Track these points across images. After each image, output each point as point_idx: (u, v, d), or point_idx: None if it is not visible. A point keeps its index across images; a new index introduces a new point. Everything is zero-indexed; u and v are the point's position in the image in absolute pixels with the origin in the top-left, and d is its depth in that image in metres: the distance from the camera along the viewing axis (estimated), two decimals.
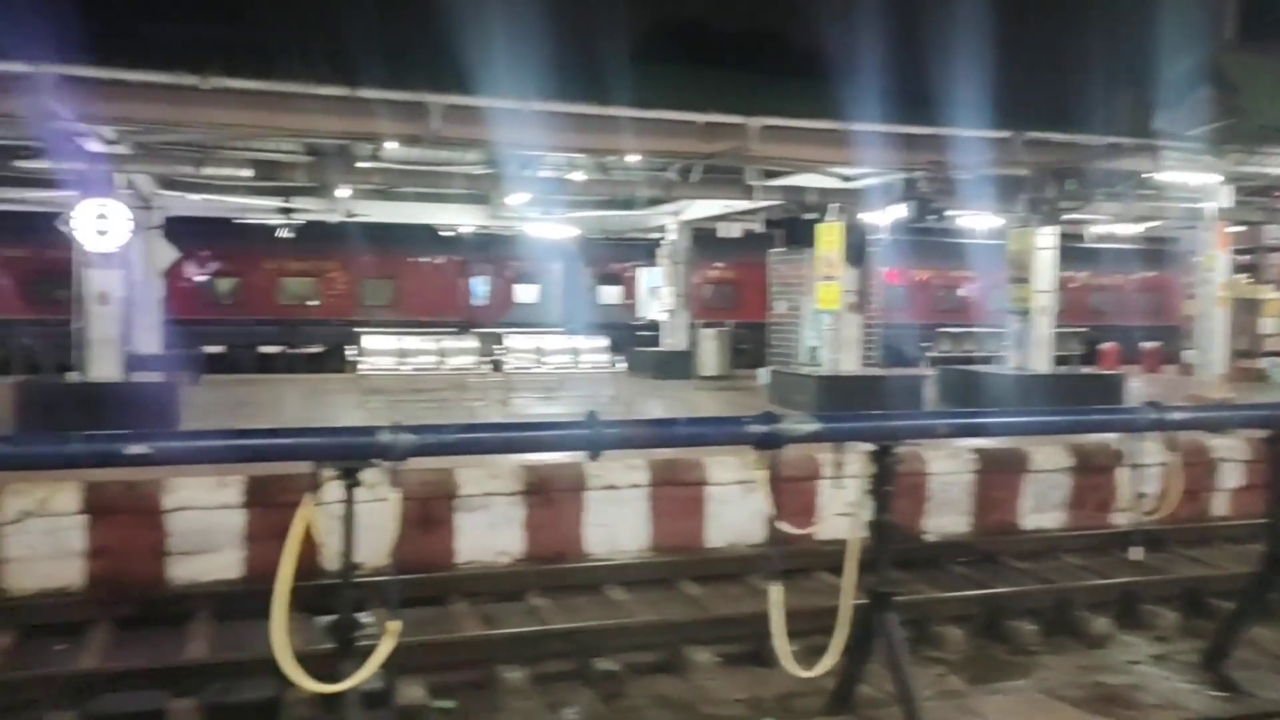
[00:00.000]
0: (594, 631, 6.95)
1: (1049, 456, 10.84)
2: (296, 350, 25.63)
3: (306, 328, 26.01)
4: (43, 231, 16.60)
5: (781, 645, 5.40)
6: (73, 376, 11.82)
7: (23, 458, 4.41)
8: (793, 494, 9.22)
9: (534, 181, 14.75)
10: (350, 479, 4.64)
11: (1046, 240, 14.43)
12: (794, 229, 15.39)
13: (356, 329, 21.68)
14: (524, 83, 10.40)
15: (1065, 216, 14.91)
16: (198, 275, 25.32)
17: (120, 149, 11.86)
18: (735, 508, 9.63)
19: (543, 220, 19.87)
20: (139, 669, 6.36)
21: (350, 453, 4.65)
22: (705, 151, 12.29)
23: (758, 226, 19.37)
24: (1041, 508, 10.85)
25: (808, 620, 6.60)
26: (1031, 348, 14.56)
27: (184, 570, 8.30)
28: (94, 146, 11.09)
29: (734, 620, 7.32)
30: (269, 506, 8.32)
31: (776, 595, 5.38)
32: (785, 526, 5.47)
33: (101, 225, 11.00)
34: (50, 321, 20.86)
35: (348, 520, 4.73)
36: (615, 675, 6.45)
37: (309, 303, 26.44)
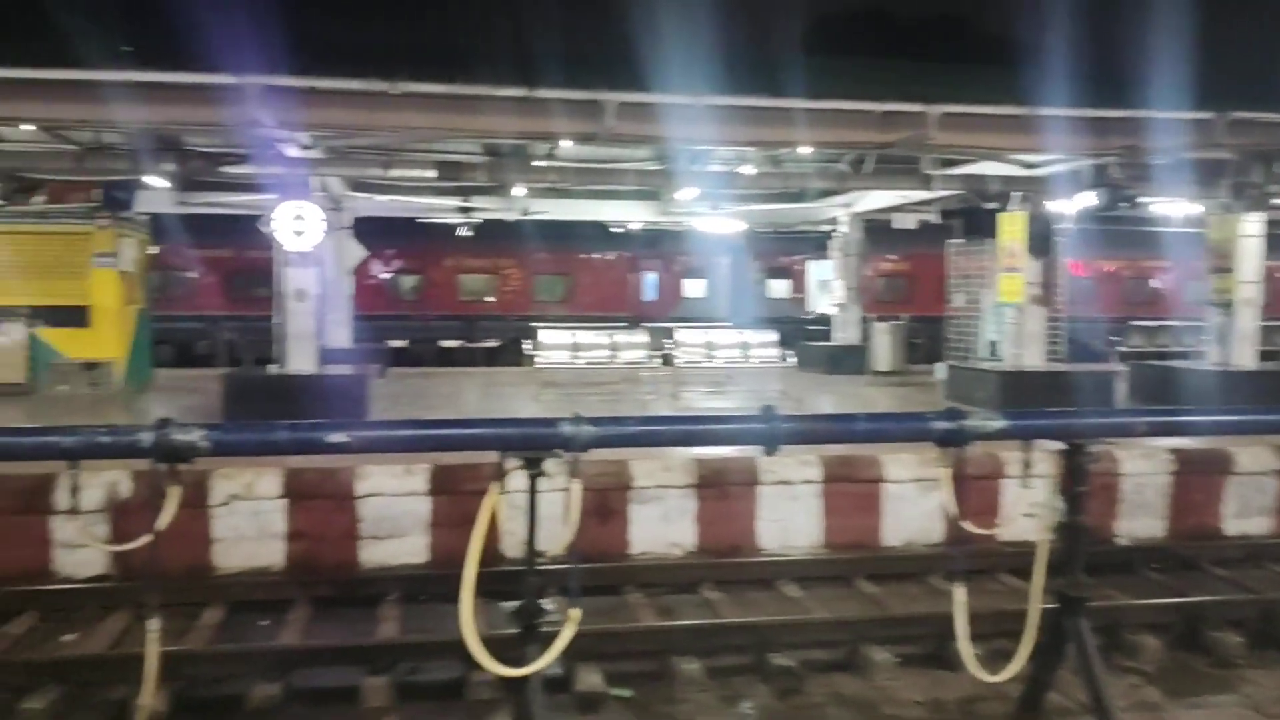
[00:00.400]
0: (771, 627, 6.90)
1: (1255, 458, 10.13)
2: (474, 345, 26.53)
3: (484, 323, 26.89)
4: (242, 233, 17.73)
5: (966, 648, 5.24)
6: (272, 369, 12.55)
7: (235, 445, 4.69)
8: (975, 493, 8.93)
9: (704, 176, 14.76)
10: (534, 468, 4.75)
11: (1252, 227, 13.51)
12: (973, 219, 14.86)
13: (531, 324, 22.32)
14: (697, 77, 10.42)
15: (1274, 201, 13.91)
16: (383, 273, 26.51)
17: (315, 153, 12.51)
18: (912, 506, 9.41)
19: (711, 215, 19.88)
20: (335, 647, 6.72)
21: (534, 443, 4.75)
22: (881, 141, 12.01)
23: (933, 217, 18.83)
24: (1246, 512, 10.15)
25: (991, 623, 6.42)
26: (1234, 342, 13.68)
27: (374, 554, 8.69)
28: (292, 152, 11.72)
29: (913, 620, 7.16)
30: (452, 494, 8.64)
31: (960, 596, 5.22)
32: (968, 526, 5.30)
33: (298, 226, 11.64)
34: (249, 317, 22.28)
35: (531, 509, 4.84)
36: (792, 671, 6.40)
37: (486, 299, 27.32)
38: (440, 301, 27.05)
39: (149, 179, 13.48)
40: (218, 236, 22.97)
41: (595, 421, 4.75)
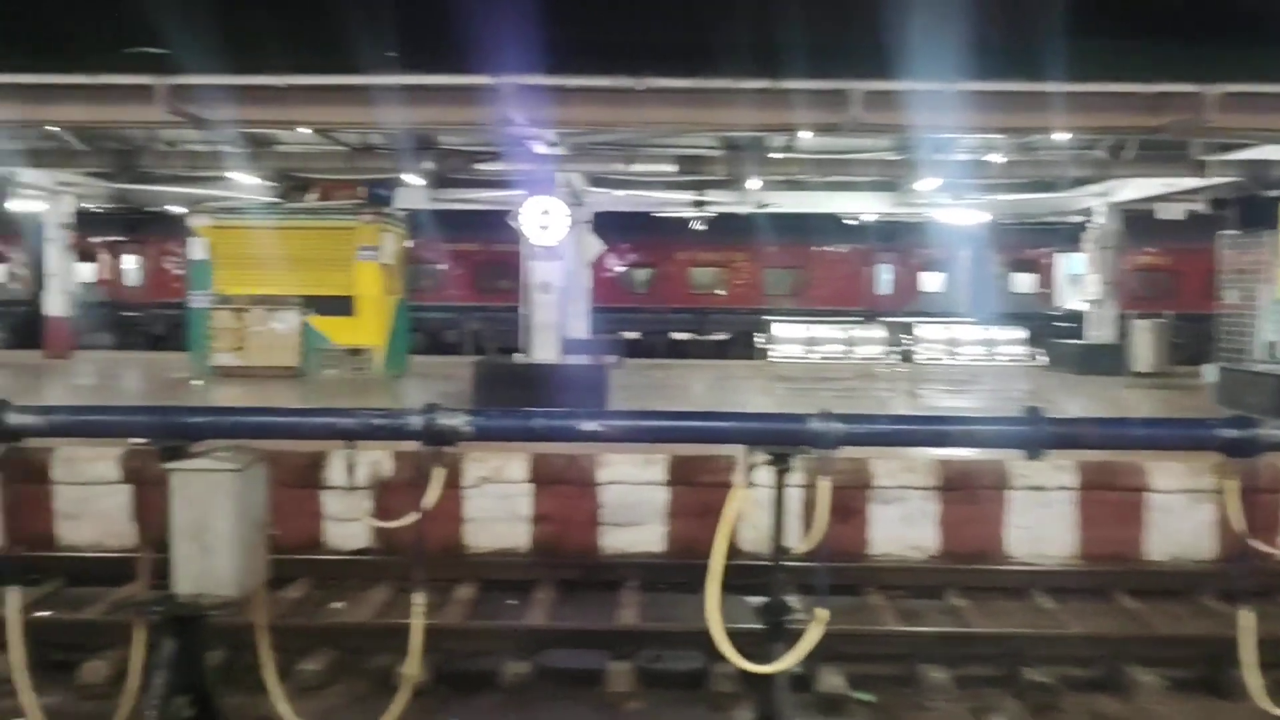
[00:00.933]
0: (1024, 639, 6.56)
1: None
2: (705, 337, 26.74)
3: (714, 315, 27.05)
4: (488, 227, 18.54)
5: (1253, 677, 4.81)
6: (518, 357, 13.06)
7: (495, 430, 4.88)
8: (1254, 507, 8.16)
9: (949, 165, 14.26)
10: (781, 464, 4.71)
11: None
12: (1250, 209, 13.65)
13: (761, 317, 22.32)
14: (946, 63, 9.99)
15: None
16: (618, 266, 27.11)
17: (560, 150, 12.91)
18: (1180, 518, 8.70)
19: (952, 205, 19.19)
20: (580, 630, 6.91)
21: (782, 438, 4.71)
22: (1150, 125, 11.15)
23: (1201, 206, 17.43)
24: None
25: (1272, 650, 5.84)
26: None
27: (613, 540, 8.87)
28: (539, 149, 12.13)
29: (1182, 641, 6.65)
30: (690, 485, 8.70)
31: (1247, 622, 4.80)
32: (1259, 545, 4.85)
33: (544, 221, 12.03)
34: (495, 307, 23.34)
35: (778, 505, 4.81)
36: (1046, 687, 6.06)
37: (717, 292, 27.46)
38: (673, 294, 27.42)
39: (408, 176, 14.33)
40: (466, 231, 24.07)
41: (845, 418, 4.66)
